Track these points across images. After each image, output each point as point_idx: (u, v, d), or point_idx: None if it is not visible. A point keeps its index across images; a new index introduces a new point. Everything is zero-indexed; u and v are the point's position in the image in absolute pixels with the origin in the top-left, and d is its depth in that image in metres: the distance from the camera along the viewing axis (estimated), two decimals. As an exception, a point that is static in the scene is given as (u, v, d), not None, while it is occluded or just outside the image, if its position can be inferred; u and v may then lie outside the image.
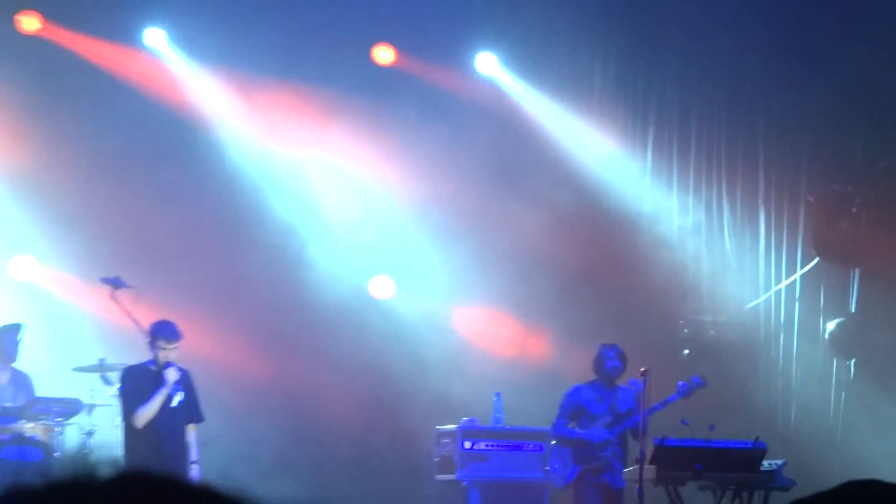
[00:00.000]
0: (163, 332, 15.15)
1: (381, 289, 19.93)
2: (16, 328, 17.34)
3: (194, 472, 15.57)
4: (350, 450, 18.55)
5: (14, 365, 17.14)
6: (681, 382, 15.89)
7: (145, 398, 15.04)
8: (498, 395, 17.26)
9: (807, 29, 18.97)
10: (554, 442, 16.25)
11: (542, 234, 19.32)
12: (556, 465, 16.11)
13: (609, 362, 15.90)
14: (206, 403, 16.58)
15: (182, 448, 15.50)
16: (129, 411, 15.22)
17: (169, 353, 15.08)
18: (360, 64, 19.86)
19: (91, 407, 16.90)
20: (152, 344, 15.17)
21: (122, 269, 16.81)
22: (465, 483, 16.39)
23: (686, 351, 18.30)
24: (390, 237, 19.62)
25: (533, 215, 19.33)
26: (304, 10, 19.29)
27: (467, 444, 16.64)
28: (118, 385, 15.80)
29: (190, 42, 19.50)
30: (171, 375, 15.06)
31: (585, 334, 18.01)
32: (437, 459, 17.08)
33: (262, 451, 18.80)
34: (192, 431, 15.56)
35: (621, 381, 16.20)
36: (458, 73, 20.05)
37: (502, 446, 16.83)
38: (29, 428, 16.37)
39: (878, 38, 18.84)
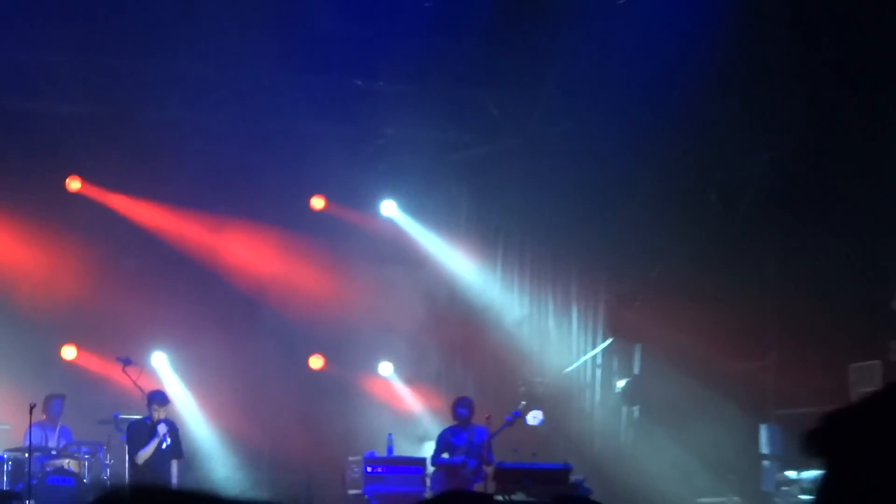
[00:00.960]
0: (157, 398, 17.39)
1: (316, 362, 21.17)
2: (61, 397, 18.58)
3: (171, 488, 16.87)
4: (293, 472, 19.61)
5: (60, 421, 18.63)
6: (507, 416, 17.54)
7: (143, 444, 17.09)
8: (390, 434, 18.79)
9: (597, 185, 19.81)
10: (432, 468, 17.90)
11: (427, 318, 20.79)
12: (435, 486, 17.69)
13: (456, 411, 17.78)
14: (191, 442, 19.14)
15: (168, 476, 17.15)
16: (132, 453, 17.24)
17: (160, 412, 17.20)
18: (302, 209, 21.34)
19: (108, 447, 18.26)
20: (149, 405, 17.25)
21: (133, 350, 18.79)
22: (367, 496, 17.81)
23: (523, 402, 18.80)
24: (324, 324, 20.74)
25: (420, 306, 20.87)
26: (259, 168, 20.63)
27: (369, 469, 18.00)
28: (124, 434, 17.56)
29: (179, 194, 20.70)
30: (162, 429, 17.07)
31: (458, 389, 19.77)
32: (348, 479, 18.59)
33: (234, 472, 19.66)
34: (174, 465, 17.38)
35: (478, 421, 17.64)
36: (369, 214, 21.56)
37: (393, 469, 18.05)
38: (66, 462, 17.89)
39: (648, 182, 19.48)
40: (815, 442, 1.91)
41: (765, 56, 17.91)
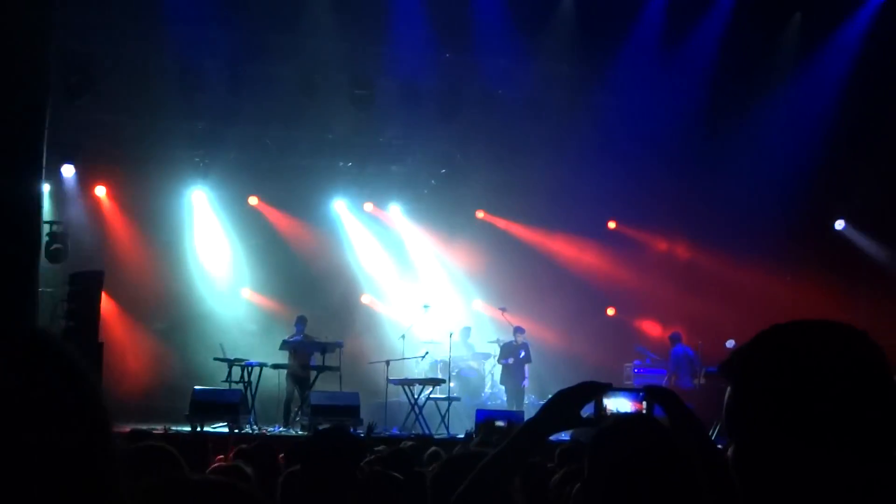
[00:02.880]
0: (519, 329, 21.90)
1: (610, 311, 25.68)
2: (523, 329, 23.01)
3: (525, 381, 21.40)
4: (597, 372, 19.26)
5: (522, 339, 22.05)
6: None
7: (508, 356, 21.73)
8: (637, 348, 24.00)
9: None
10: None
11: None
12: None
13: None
14: (539, 355, 22.77)
15: (522, 373, 21.39)
16: (504, 361, 21.89)
17: (520, 338, 21.88)
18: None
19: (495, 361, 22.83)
20: (514, 333, 21.82)
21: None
22: (636, 384, 18.53)
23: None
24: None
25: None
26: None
27: (636, 370, 22.66)
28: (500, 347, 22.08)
29: (542, 220, 24.76)
30: (522, 348, 21.74)
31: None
32: (624, 374, 22.47)
33: (554, 371, 22.26)
34: (527, 367, 21.60)
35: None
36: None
37: (647, 370, 22.79)
38: (472, 364, 23.07)
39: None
40: (723, 368, 2.14)
41: None
